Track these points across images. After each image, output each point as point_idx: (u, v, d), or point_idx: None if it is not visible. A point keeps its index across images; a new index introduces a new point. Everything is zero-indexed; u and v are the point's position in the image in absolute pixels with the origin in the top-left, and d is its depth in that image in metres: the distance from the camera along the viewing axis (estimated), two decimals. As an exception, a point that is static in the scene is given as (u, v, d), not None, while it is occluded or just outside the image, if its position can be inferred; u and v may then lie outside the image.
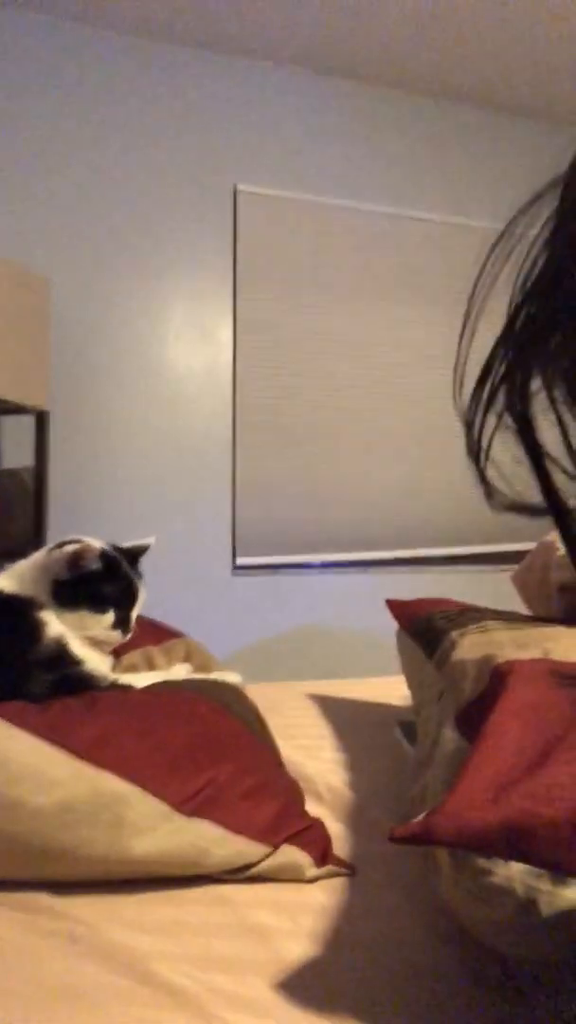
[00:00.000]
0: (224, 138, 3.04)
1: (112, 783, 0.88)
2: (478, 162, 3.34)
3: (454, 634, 1.16)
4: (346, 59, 3.03)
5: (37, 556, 1.23)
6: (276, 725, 1.32)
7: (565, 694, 0.82)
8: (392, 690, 1.65)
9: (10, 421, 2.64)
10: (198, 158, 3.00)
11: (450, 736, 0.90)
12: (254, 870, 0.89)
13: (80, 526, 2.64)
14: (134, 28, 2.81)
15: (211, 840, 0.88)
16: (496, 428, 0.24)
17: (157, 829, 0.87)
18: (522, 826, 0.65)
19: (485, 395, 0.24)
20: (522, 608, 1.60)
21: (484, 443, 0.24)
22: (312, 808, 1.05)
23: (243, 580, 3.00)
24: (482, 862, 0.66)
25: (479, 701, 0.88)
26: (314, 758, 1.24)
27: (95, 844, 0.85)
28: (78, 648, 1.15)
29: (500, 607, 1.38)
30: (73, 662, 1.13)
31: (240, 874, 0.89)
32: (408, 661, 1.35)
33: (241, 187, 3.07)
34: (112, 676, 1.18)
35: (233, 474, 2.99)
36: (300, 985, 0.71)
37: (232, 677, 1.30)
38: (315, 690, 1.71)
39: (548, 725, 0.76)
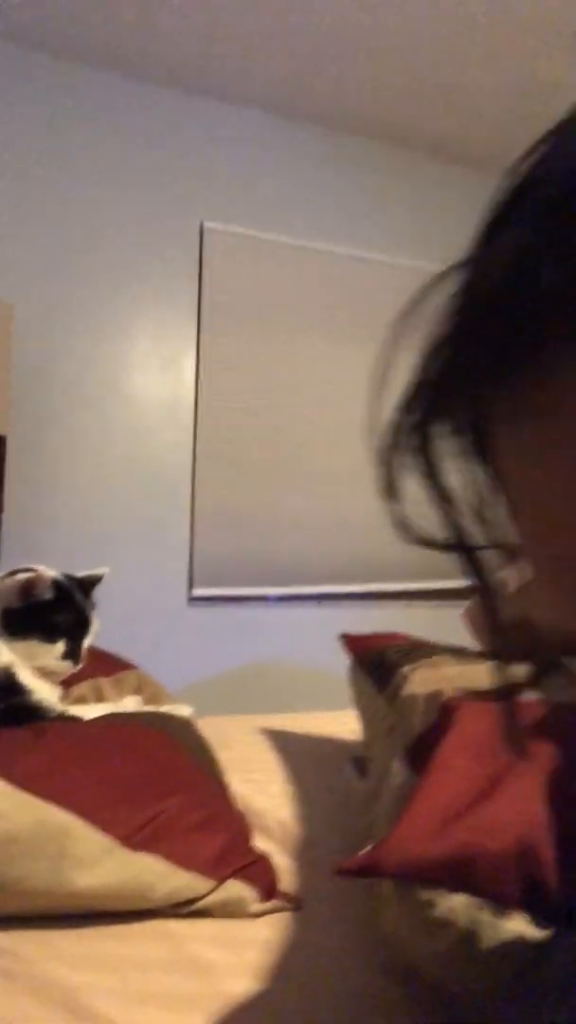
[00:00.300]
0: (192, 176, 3.08)
1: (56, 815, 0.87)
2: (444, 209, 3.43)
3: (405, 669, 1.17)
4: (313, 105, 3.10)
5: (-11, 583, 1.22)
6: (227, 759, 1.31)
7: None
8: (344, 724, 1.65)
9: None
10: (166, 194, 3.04)
11: (398, 770, 0.91)
12: (199, 904, 0.88)
13: (36, 552, 2.61)
14: (106, 64, 2.85)
15: (156, 874, 0.87)
16: (406, 467, 0.25)
17: (101, 862, 0.85)
18: (465, 858, 0.66)
19: (396, 439, 0.24)
20: (473, 644, 1.62)
21: (396, 483, 0.25)
22: (261, 842, 1.05)
23: (199, 611, 2.98)
24: (425, 894, 0.66)
25: (427, 735, 0.89)
26: (264, 792, 1.23)
27: (38, 877, 0.84)
28: (27, 678, 1.13)
29: (454, 642, 1.40)
30: (21, 692, 1.11)
31: (185, 908, 0.88)
32: (360, 695, 1.35)
33: (208, 224, 3.11)
34: (61, 707, 1.16)
35: (192, 504, 2.99)
36: (239, 1020, 0.70)
37: (183, 710, 1.29)
38: (268, 724, 1.71)
39: (494, 759, 0.77)
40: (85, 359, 2.86)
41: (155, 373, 3.00)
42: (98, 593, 1.33)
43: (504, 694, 0.31)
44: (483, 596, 0.27)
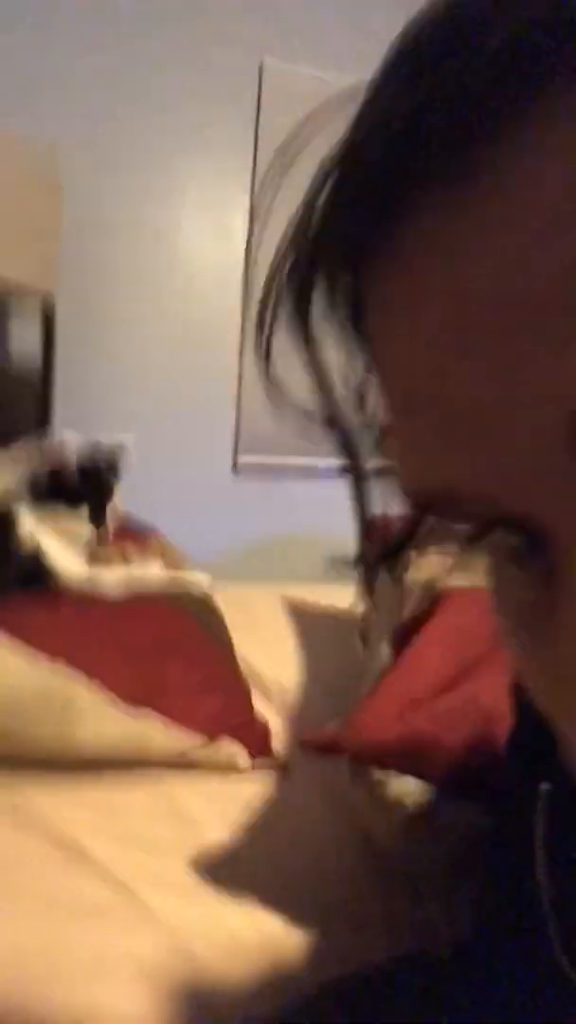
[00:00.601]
0: (253, 6, 2.86)
1: (63, 672, 0.93)
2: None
3: (414, 553, 1.19)
4: None
5: (15, 451, 1.26)
6: (243, 624, 1.37)
7: (493, 624, 0.86)
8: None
9: (17, 309, 2.62)
10: (222, 26, 2.83)
11: (385, 651, 0.94)
12: (191, 757, 0.96)
13: (85, 417, 2.66)
14: None
15: (153, 731, 0.94)
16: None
17: (102, 718, 0.93)
18: (419, 745, 0.70)
19: (273, 295, 0.24)
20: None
21: (271, 345, 0.25)
22: (260, 705, 1.11)
23: (244, 479, 3.02)
24: (378, 774, 0.71)
25: (413, 622, 0.92)
26: (272, 659, 1.29)
27: (44, 727, 0.91)
28: (49, 543, 1.19)
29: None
30: (43, 556, 1.17)
31: (178, 760, 0.96)
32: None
33: (268, 62, 2.91)
34: (82, 571, 1.22)
35: (240, 371, 2.97)
36: (214, 868, 0.78)
37: (200, 578, 1.34)
38: (292, 593, 1.76)
39: (466, 652, 0.80)
40: (134, 208, 2.77)
41: (206, 234, 2.90)
42: (144, 456, 1.36)
43: (361, 569, 0.32)
44: (353, 476, 0.27)
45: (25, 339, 2.60)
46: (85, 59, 2.64)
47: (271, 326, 0.25)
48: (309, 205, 0.22)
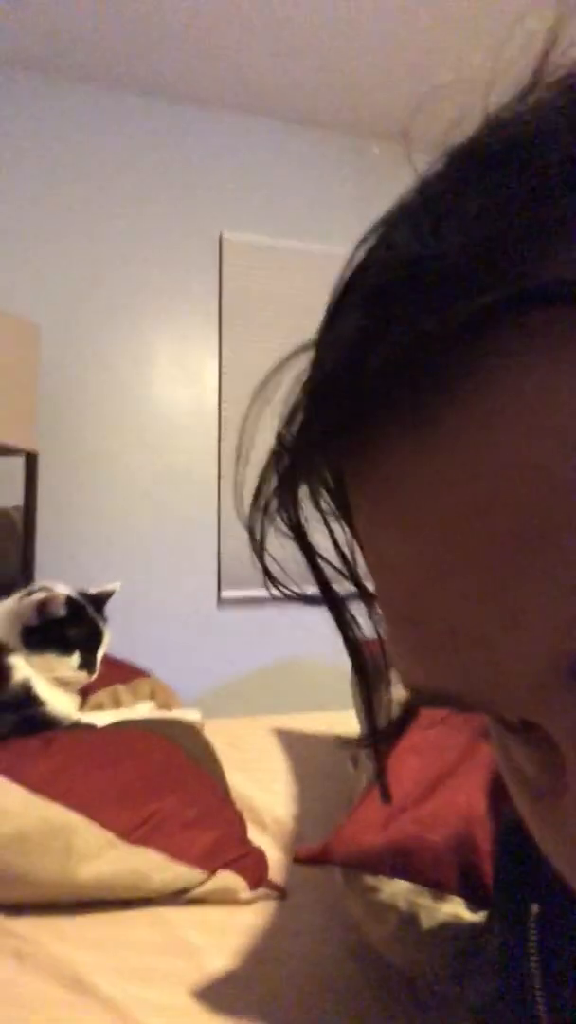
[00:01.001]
0: (210, 188, 3.17)
1: (63, 813, 0.97)
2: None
3: (392, 672, 1.24)
4: (328, 112, 3.17)
5: (8, 603, 1.33)
6: (235, 759, 1.41)
7: (466, 730, 0.91)
8: (355, 722, 1.73)
9: (1, 463, 2.75)
10: (185, 207, 3.13)
11: (370, 769, 0.99)
12: (192, 893, 0.98)
13: (69, 564, 2.74)
14: (120, 83, 2.96)
15: (152, 866, 0.97)
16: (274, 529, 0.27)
17: (103, 855, 0.95)
18: (407, 848, 0.74)
19: (261, 505, 0.26)
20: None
21: (265, 545, 0.27)
22: (256, 837, 1.14)
23: (229, 613, 3.07)
24: (369, 880, 0.75)
25: (394, 736, 0.97)
26: (265, 790, 1.32)
27: (46, 869, 0.94)
28: (43, 690, 1.24)
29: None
30: (38, 703, 1.22)
31: (179, 897, 0.98)
32: (357, 693, 1.44)
33: (227, 235, 3.20)
34: (75, 715, 1.27)
35: (219, 510, 3.08)
36: (217, 995, 0.80)
37: (191, 715, 1.38)
38: (282, 724, 1.79)
39: (443, 759, 0.85)
40: (110, 373, 2.96)
41: (179, 383, 3.09)
42: (130, 599, 1.42)
43: (369, 742, 0.33)
44: (349, 647, 0.29)
45: (8, 489, 2.71)
46: (59, 241, 2.90)
47: (263, 532, 0.27)
48: (281, 437, 0.24)
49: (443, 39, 2.59)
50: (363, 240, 0.22)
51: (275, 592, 0.30)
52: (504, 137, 0.18)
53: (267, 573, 0.29)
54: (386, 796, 0.65)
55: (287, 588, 0.30)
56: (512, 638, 0.18)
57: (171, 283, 3.09)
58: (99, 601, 1.41)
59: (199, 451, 3.08)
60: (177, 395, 3.07)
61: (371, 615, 0.27)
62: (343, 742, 1.41)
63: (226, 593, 3.09)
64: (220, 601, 3.08)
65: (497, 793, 0.79)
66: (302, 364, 0.24)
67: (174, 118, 3.10)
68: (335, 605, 0.27)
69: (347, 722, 1.80)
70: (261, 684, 3.05)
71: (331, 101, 3.11)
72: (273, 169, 3.28)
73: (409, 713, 0.30)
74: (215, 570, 3.08)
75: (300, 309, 3.29)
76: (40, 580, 1.51)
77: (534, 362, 0.17)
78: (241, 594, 3.10)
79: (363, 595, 0.27)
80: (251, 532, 0.27)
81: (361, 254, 0.22)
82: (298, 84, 2.99)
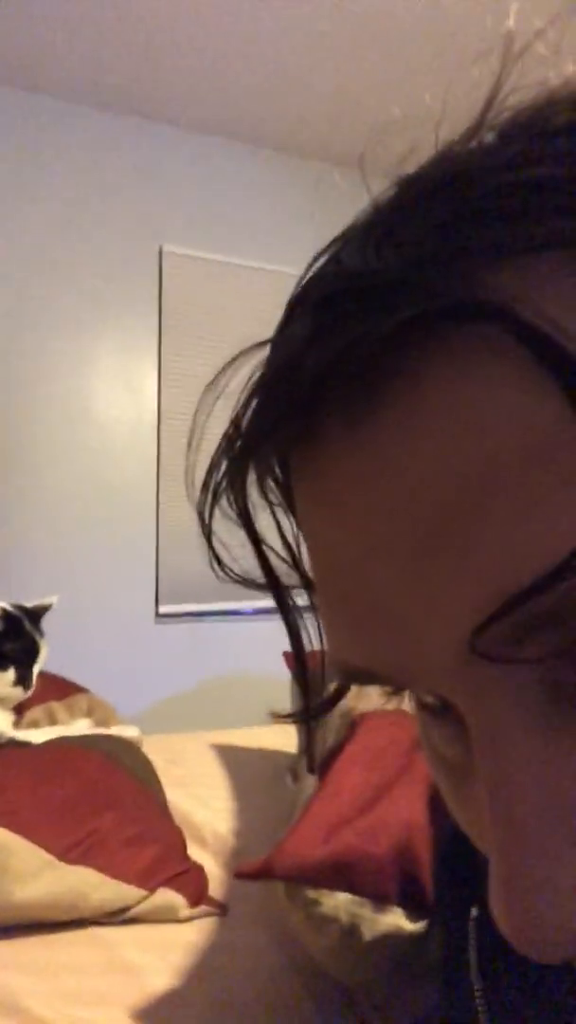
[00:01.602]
0: (150, 202, 3.16)
1: (-2, 834, 0.95)
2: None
3: (331, 686, 1.25)
4: (270, 130, 3.20)
5: None
6: (174, 776, 1.39)
7: (406, 742, 0.92)
8: (294, 737, 1.73)
9: None
10: (125, 220, 3.11)
11: (312, 782, 0.99)
12: (131, 912, 0.97)
13: (2, 575, 2.68)
14: (62, 92, 2.94)
15: (90, 885, 0.95)
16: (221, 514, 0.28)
17: (39, 876, 0.93)
18: (348, 860, 0.75)
19: (211, 491, 0.27)
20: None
21: (213, 528, 0.28)
22: (195, 853, 1.13)
23: (167, 628, 3.05)
24: (311, 893, 0.75)
25: (335, 749, 0.98)
26: (205, 807, 1.31)
27: (-20, 891, 0.91)
28: (-23, 706, 1.21)
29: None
30: (-29, 719, 1.19)
31: (118, 916, 0.96)
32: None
33: (167, 248, 3.19)
34: (10, 733, 1.24)
35: (157, 523, 3.06)
36: (158, 1014, 0.79)
37: (129, 731, 1.37)
38: (221, 740, 1.78)
39: (384, 770, 0.86)
40: (47, 384, 2.92)
41: (118, 395, 3.06)
42: (67, 614, 1.40)
43: (303, 717, 0.36)
44: (288, 628, 0.29)
45: None
46: (9, 258, 2.85)
47: (211, 514, 0.28)
48: (236, 423, 0.25)
49: (391, 75, 2.65)
50: (321, 253, 0.24)
51: (221, 574, 0.31)
52: (445, 169, 0.20)
53: (214, 556, 0.30)
54: (311, 762, 0.65)
55: (232, 571, 0.31)
56: (428, 620, 0.19)
57: (111, 294, 3.07)
58: (35, 615, 1.38)
59: (138, 464, 3.06)
60: (117, 407, 3.05)
61: (311, 602, 0.28)
62: (277, 717, 1.42)
63: (164, 608, 3.06)
64: (158, 616, 3.05)
65: (436, 803, 0.81)
66: (257, 359, 0.26)
67: (115, 128, 3.09)
68: (277, 588, 0.29)
69: (284, 737, 1.80)
70: (199, 700, 3.03)
71: (275, 123, 3.14)
72: (216, 184, 3.30)
73: (339, 691, 0.32)
74: (153, 585, 3.05)
75: (240, 322, 3.31)
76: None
77: (451, 372, 0.18)
78: (179, 608, 3.08)
79: (304, 582, 0.28)
80: (200, 515, 0.28)
81: (317, 266, 0.23)
82: (244, 101, 3.01)
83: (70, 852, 0.97)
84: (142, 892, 0.97)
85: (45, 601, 1.41)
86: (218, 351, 3.25)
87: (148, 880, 0.99)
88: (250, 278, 3.33)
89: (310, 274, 0.24)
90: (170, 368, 3.14)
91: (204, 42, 2.59)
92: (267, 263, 3.35)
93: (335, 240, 0.24)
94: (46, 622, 1.42)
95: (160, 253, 3.18)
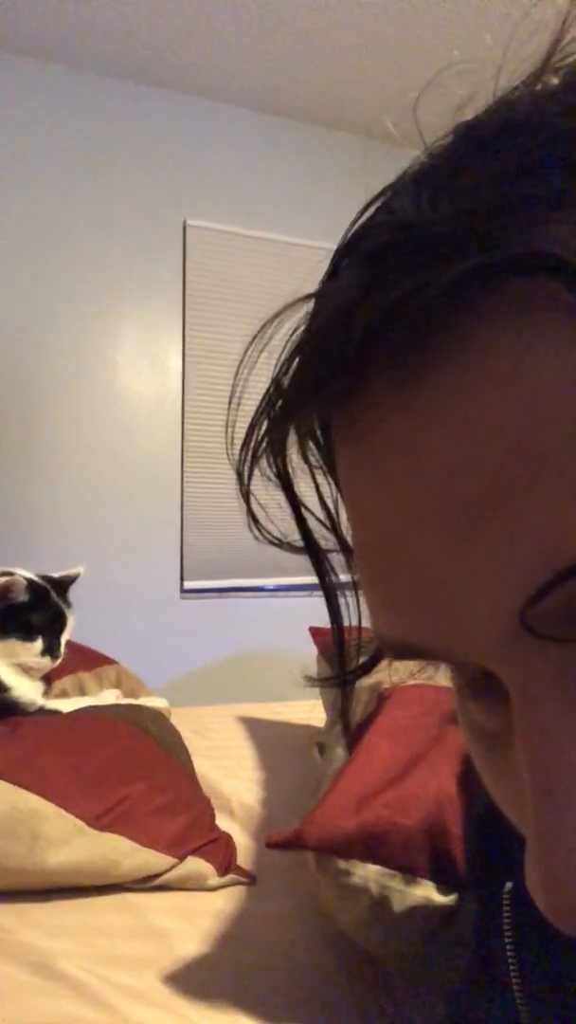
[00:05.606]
0: (175, 175, 3.14)
1: (30, 800, 0.96)
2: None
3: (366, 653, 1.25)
4: (296, 102, 3.16)
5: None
6: (201, 747, 1.41)
7: (436, 716, 0.92)
8: (320, 712, 1.74)
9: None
10: (149, 193, 3.09)
11: (340, 754, 1.00)
12: (161, 879, 0.98)
13: (30, 550, 2.70)
14: (85, 63, 2.91)
15: (121, 852, 0.96)
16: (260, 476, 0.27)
17: (71, 842, 0.95)
18: (378, 832, 0.75)
19: (250, 451, 0.26)
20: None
21: (251, 490, 0.27)
22: (223, 823, 1.14)
23: (191, 603, 3.07)
24: (341, 864, 0.75)
25: (364, 722, 0.98)
26: (232, 777, 1.32)
27: (13, 856, 0.93)
28: (7, 675, 1.23)
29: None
30: (3, 689, 1.21)
31: (148, 883, 0.98)
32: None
33: (191, 222, 3.17)
34: (40, 701, 1.26)
35: (182, 498, 3.07)
36: (189, 979, 0.80)
37: (158, 702, 1.38)
38: (247, 712, 1.80)
39: (414, 743, 0.86)
40: (72, 359, 2.92)
41: (142, 370, 3.06)
42: (93, 589, 1.41)
43: (340, 682, 0.33)
44: (325, 593, 0.29)
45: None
46: (20, 224, 2.84)
47: (250, 474, 0.27)
48: (278, 383, 0.24)
49: (414, 44, 2.59)
50: (369, 203, 0.23)
51: (258, 535, 0.31)
52: (504, 117, 0.20)
53: (252, 516, 0.30)
54: (347, 729, 0.65)
55: (269, 534, 0.30)
56: (474, 591, 0.19)
57: (135, 269, 3.05)
58: (62, 585, 1.39)
59: (162, 439, 3.06)
60: (142, 383, 3.05)
61: (349, 567, 0.27)
62: (311, 681, 1.42)
63: (188, 583, 3.08)
64: (183, 591, 3.07)
65: (468, 777, 0.81)
66: (297, 317, 0.25)
67: (139, 101, 3.07)
68: (315, 552, 0.28)
69: (309, 713, 1.81)
70: (223, 674, 3.05)
71: (299, 94, 3.10)
72: (239, 157, 3.27)
73: (374, 658, 0.31)
74: (178, 560, 3.07)
75: (265, 296, 3.28)
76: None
77: (507, 330, 0.18)
78: (203, 584, 3.09)
79: (343, 548, 0.27)
80: (239, 474, 0.27)
81: (365, 216, 0.23)
82: (268, 73, 2.97)
83: (101, 819, 0.98)
84: (172, 860, 0.99)
85: (72, 572, 1.42)
86: (243, 325, 3.23)
87: (178, 848, 1.00)
88: (275, 251, 3.30)
89: (358, 224, 0.23)
90: (194, 343, 3.13)
91: (229, 12, 2.55)
92: (292, 236, 3.32)
93: (384, 190, 0.23)
94: (73, 595, 1.43)
95: (184, 227, 3.16)
